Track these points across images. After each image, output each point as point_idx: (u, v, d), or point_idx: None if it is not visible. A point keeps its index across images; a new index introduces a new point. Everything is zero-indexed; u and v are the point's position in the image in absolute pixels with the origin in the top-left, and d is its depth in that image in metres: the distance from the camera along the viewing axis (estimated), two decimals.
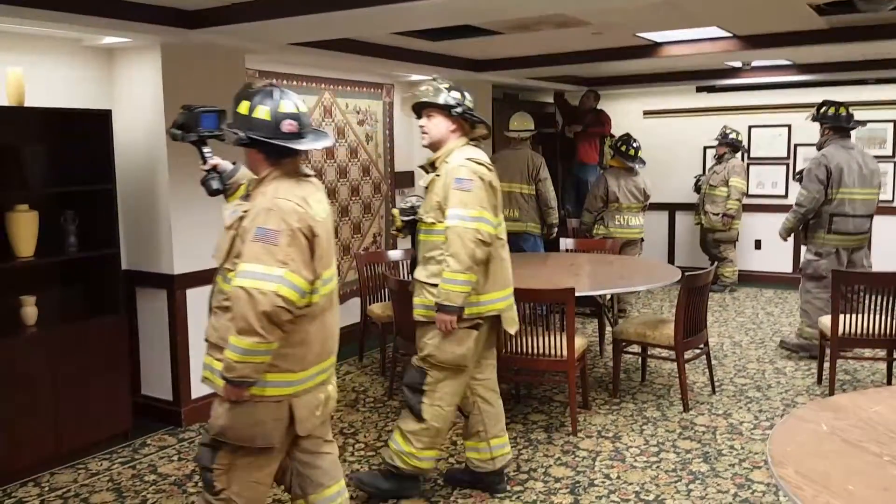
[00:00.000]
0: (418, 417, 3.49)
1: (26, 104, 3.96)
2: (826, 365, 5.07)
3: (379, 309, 5.65)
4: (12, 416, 3.84)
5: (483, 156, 3.46)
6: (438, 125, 3.45)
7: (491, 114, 7.89)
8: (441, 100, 3.41)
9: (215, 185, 2.86)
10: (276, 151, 2.65)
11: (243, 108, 2.66)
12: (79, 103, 4.43)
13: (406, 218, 3.59)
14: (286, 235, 2.50)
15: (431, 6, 3.75)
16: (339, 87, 6.42)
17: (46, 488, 3.86)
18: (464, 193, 3.27)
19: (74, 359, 4.09)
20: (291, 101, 2.68)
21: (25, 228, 3.98)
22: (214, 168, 2.89)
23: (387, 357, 5.63)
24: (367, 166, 6.78)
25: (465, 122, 3.47)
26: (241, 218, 2.61)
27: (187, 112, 2.91)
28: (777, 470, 2.04)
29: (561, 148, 8.97)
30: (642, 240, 7.30)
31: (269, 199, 2.57)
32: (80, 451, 4.19)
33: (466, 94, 3.48)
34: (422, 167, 3.61)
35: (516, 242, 6.79)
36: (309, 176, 2.77)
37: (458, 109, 3.40)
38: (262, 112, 2.62)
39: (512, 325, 3.59)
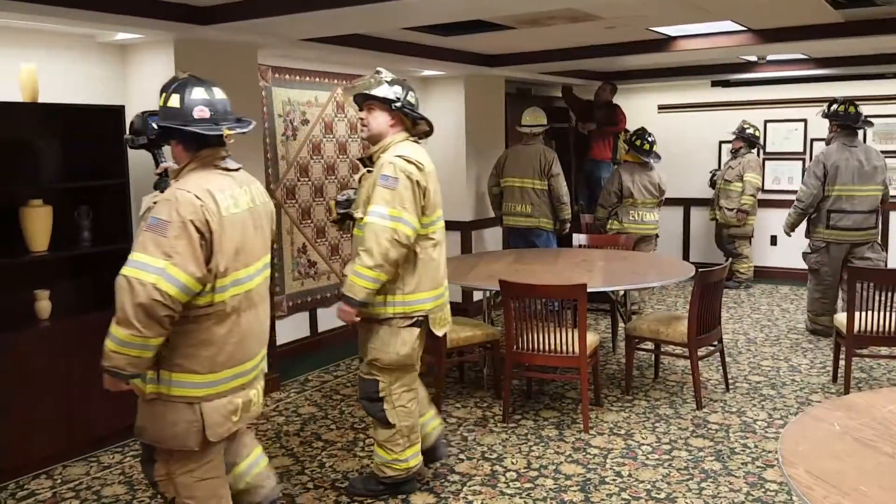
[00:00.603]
0: (386, 424, 3.48)
1: (40, 100, 3.99)
2: (842, 363, 5.02)
3: None
4: (26, 408, 3.87)
5: (418, 154, 3.36)
6: (378, 118, 3.38)
7: (503, 108, 7.87)
8: (381, 93, 3.33)
9: (165, 187, 2.80)
10: (192, 141, 2.60)
11: (161, 100, 2.62)
12: (92, 99, 4.45)
13: (342, 211, 3.52)
14: (176, 227, 2.41)
15: (442, 1, 3.74)
16: (352, 83, 6.40)
17: (59, 481, 3.89)
18: (386, 191, 3.21)
19: (87, 352, 4.09)
20: (204, 89, 2.62)
21: (39, 223, 4.01)
22: (166, 171, 2.87)
23: None
24: None
25: (405, 118, 3.41)
26: (150, 208, 2.55)
27: (140, 117, 2.90)
28: (788, 469, 2.02)
29: (574, 143, 8.92)
30: (657, 236, 7.24)
31: (171, 190, 2.51)
32: (93, 443, 4.22)
33: (411, 90, 3.43)
34: (359, 160, 3.54)
35: (528, 237, 6.79)
36: (231, 169, 2.69)
37: (398, 104, 3.33)
38: (174, 100, 2.58)
39: (440, 327, 3.53)
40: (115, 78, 4.64)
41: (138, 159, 4.54)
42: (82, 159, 4.26)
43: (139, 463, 2.92)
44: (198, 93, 2.59)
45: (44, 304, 4.09)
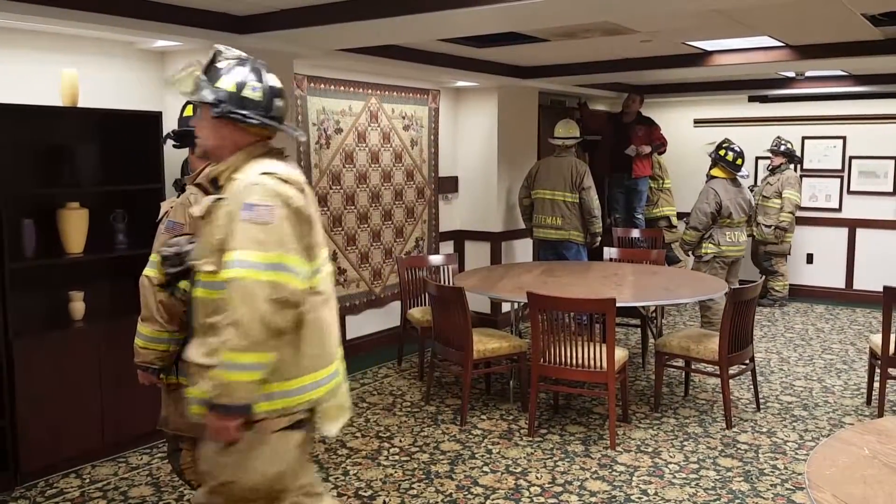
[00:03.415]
0: None
1: (80, 105, 4.07)
2: (876, 384, 4.91)
3: (418, 313, 5.67)
4: (57, 408, 3.93)
5: (292, 170, 2.31)
6: (208, 127, 2.33)
7: (536, 120, 7.86)
8: (205, 95, 2.29)
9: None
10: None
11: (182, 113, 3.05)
12: (130, 105, 4.53)
13: (173, 270, 2.44)
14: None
15: (477, 13, 3.75)
16: (386, 93, 6.46)
17: (87, 480, 3.95)
18: (257, 228, 2.14)
19: (119, 354, 4.16)
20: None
21: (76, 226, 4.09)
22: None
23: (425, 361, 5.64)
24: (411, 171, 6.81)
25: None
26: (167, 213, 2.97)
27: None
28: (814, 493, 1.98)
29: (611, 157, 8.65)
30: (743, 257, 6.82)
31: (185, 196, 2.91)
32: (122, 444, 4.27)
33: (266, 74, 2.35)
34: (197, 185, 2.51)
35: (558, 250, 6.76)
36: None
37: (218, 110, 2.27)
38: (189, 110, 3.01)
39: (333, 422, 2.37)
40: (153, 84, 4.71)
41: (174, 165, 4.62)
42: (119, 163, 4.34)
43: (167, 459, 3.01)
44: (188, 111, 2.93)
45: (78, 305, 4.17)
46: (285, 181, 2.23)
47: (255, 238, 2.13)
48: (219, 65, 2.31)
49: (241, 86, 2.28)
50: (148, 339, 2.57)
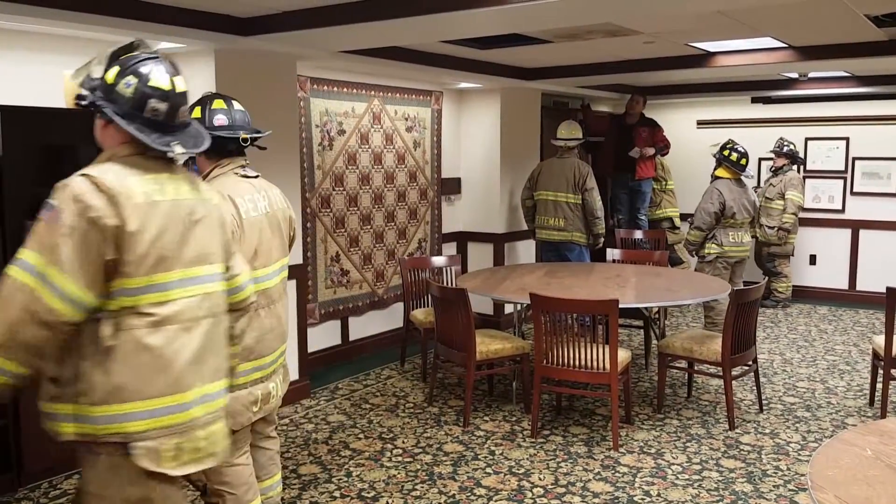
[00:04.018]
0: None
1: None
2: (879, 386, 4.91)
3: (421, 315, 5.68)
4: None
5: (125, 177, 2.03)
6: (98, 120, 2.19)
7: (539, 122, 7.86)
8: (81, 82, 2.16)
9: None
10: (212, 150, 2.64)
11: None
12: None
13: None
14: None
15: (479, 15, 3.75)
16: (389, 94, 6.47)
17: None
18: (43, 229, 1.95)
19: None
20: (223, 101, 2.89)
21: None
22: None
23: (428, 363, 5.64)
24: (414, 172, 6.82)
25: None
26: None
27: None
28: (816, 495, 1.98)
29: (615, 158, 8.59)
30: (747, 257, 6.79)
31: None
32: None
33: (156, 72, 2.11)
34: None
35: (561, 251, 6.76)
36: (250, 176, 2.89)
37: (87, 99, 2.11)
38: (196, 113, 2.81)
39: (174, 462, 2.07)
40: None
41: None
42: None
43: None
44: (217, 104, 2.84)
45: None
46: (98, 188, 1.96)
47: (39, 240, 1.94)
48: (123, 56, 2.14)
49: (119, 78, 2.09)
50: None
